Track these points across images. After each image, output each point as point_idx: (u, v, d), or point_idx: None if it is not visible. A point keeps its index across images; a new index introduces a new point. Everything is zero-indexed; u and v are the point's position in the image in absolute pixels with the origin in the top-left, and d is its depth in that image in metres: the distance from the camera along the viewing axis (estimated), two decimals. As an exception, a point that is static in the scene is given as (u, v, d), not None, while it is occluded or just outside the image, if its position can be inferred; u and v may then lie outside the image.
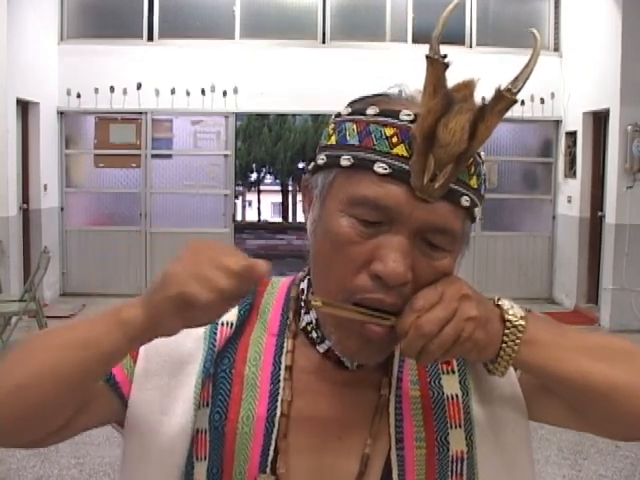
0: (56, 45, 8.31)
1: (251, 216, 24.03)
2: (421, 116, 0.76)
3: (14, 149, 7.22)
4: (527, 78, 0.75)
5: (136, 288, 8.33)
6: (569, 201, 8.26)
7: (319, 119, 15.93)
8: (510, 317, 0.81)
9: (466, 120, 0.75)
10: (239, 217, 19.82)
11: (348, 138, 0.81)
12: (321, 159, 0.84)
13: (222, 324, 0.91)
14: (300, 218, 20.37)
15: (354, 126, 0.81)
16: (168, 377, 0.88)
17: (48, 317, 6.45)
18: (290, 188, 22.47)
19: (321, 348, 0.89)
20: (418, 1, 8.49)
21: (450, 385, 0.90)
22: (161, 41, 8.50)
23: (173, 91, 8.27)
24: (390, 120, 0.79)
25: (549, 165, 8.74)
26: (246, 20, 8.53)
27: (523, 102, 7.90)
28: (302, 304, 0.91)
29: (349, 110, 0.84)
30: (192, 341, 0.89)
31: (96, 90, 8.18)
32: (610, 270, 7.20)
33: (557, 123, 8.56)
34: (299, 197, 22.68)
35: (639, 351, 0.84)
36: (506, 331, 0.80)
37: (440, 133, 0.75)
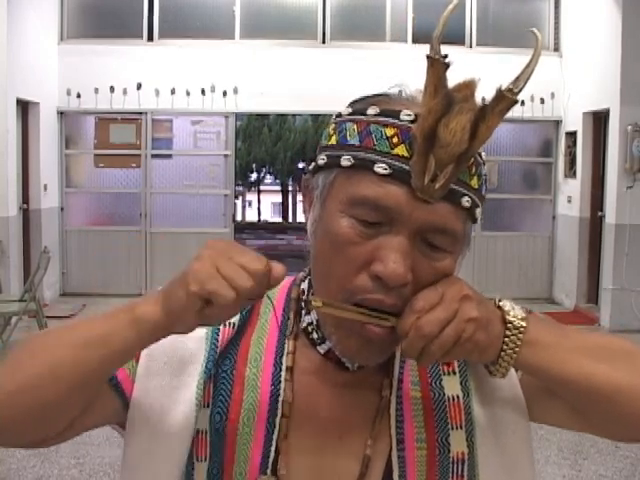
0: (56, 45, 8.30)
1: (251, 216, 24.03)
2: (422, 116, 0.75)
3: (14, 149, 7.21)
4: (528, 78, 0.75)
5: (136, 288, 8.33)
6: (569, 201, 8.26)
7: (319, 119, 15.93)
8: (511, 318, 0.80)
9: (467, 120, 0.74)
10: (239, 217, 19.81)
11: (349, 138, 0.81)
12: (321, 159, 0.84)
13: (224, 324, 0.91)
14: (300, 218, 20.37)
15: (355, 126, 0.81)
16: (170, 377, 0.88)
17: (48, 317, 6.45)
18: (290, 188, 22.47)
19: (322, 349, 0.88)
20: (418, 1, 8.49)
21: (451, 386, 0.90)
22: (161, 41, 8.49)
23: (173, 91, 8.27)
24: (391, 120, 0.79)
25: (549, 165, 8.74)
26: (246, 20, 8.53)
27: (523, 102, 7.90)
28: (303, 305, 0.91)
29: (350, 110, 0.84)
30: (194, 341, 0.89)
31: (96, 90, 8.18)
32: (610, 270, 7.20)
33: (557, 123, 8.56)
34: (299, 197, 22.70)
35: None
36: (507, 332, 0.80)
37: (441, 133, 0.74)
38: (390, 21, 8.65)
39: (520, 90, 0.75)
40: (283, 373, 0.88)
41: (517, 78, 0.75)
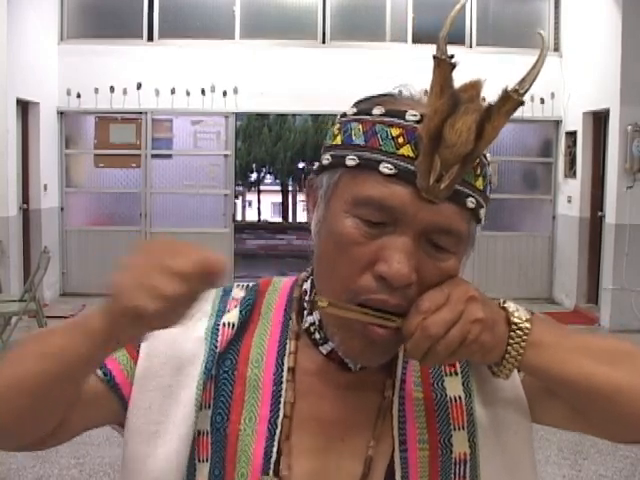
0: (56, 45, 8.30)
1: (251, 216, 24.03)
2: (427, 116, 0.75)
3: (14, 149, 7.21)
4: (534, 79, 0.75)
5: (136, 288, 8.31)
6: (569, 201, 8.26)
7: (319, 119, 15.94)
8: (516, 319, 0.80)
9: (472, 121, 0.74)
10: (239, 217, 19.81)
11: (354, 138, 0.81)
12: (326, 159, 0.84)
13: (223, 324, 0.90)
14: (300, 218, 20.38)
15: (360, 126, 0.81)
16: (169, 378, 0.88)
17: (48, 317, 6.45)
18: (290, 188, 22.47)
19: (324, 349, 0.88)
20: (418, 1, 8.49)
21: (453, 387, 0.90)
22: (161, 41, 8.50)
23: (173, 91, 8.27)
24: (396, 120, 0.79)
25: (549, 165, 8.74)
26: (246, 20, 8.53)
27: (523, 102, 7.88)
28: (305, 305, 0.91)
29: (354, 110, 0.83)
30: (193, 342, 0.89)
31: (96, 90, 8.18)
32: (610, 270, 7.20)
33: (557, 123, 8.56)
34: (299, 197, 22.69)
35: None
36: (511, 333, 0.80)
37: (446, 134, 0.74)
38: (390, 21, 8.66)
39: (526, 91, 0.75)
40: (285, 374, 0.88)
41: (523, 79, 0.75)
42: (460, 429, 0.88)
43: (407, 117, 0.78)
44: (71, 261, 8.53)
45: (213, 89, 8.32)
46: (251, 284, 0.97)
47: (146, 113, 8.40)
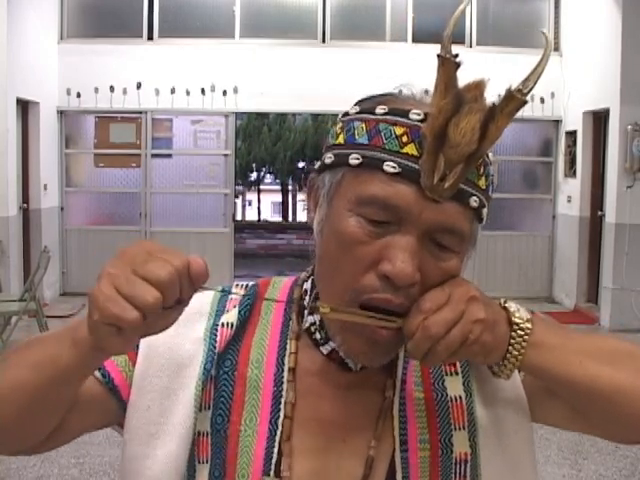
0: (56, 45, 8.30)
1: (251, 215, 24.02)
2: (432, 115, 0.75)
3: (14, 149, 7.21)
4: (538, 79, 0.75)
5: (136, 288, 8.31)
6: (569, 201, 8.26)
7: (319, 119, 15.92)
8: (517, 320, 0.80)
9: (476, 120, 0.74)
10: (239, 217, 19.81)
11: (357, 137, 0.80)
12: (329, 158, 0.83)
13: (222, 325, 0.90)
14: (300, 218, 20.36)
15: (363, 125, 0.80)
16: (168, 379, 0.88)
17: (48, 317, 6.45)
18: (290, 187, 22.46)
19: (325, 349, 0.88)
20: (418, 1, 8.49)
21: (454, 387, 0.90)
22: (161, 40, 8.49)
23: (173, 90, 8.27)
24: (400, 119, 0.78)
25: (549, 165, 8.74)
26: (246, 20, 8.53)
27: (527, 102, 7.88)
28: (306, 305, 0.91)
29: (357, 109, 0.83)
30: (191, 343, 0.89)
31: (96, 89, 8.17)
32: (610, 269, 7.20)
33: (557, 123, 8.56)
34: (299, 196, 22.68)
35: None
36: (513, 334, 0.80)
37: (451, 133, 0.74)
38: (390, 21, 8.65)
39: (529, 91, 0.75)
40: (285, 374, 0.88)
41: (526, 78, 0.75)
42: (461, 429, 0.88)
43: (411, 116, 0.78)
44: (71, 261, 8.52)
45: (213, 88, 8.32)
46: (250, 284, 0.96)
47: (146, 113, 8.40)
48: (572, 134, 8.23)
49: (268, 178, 22.81)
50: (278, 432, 0.86)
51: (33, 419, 0.80)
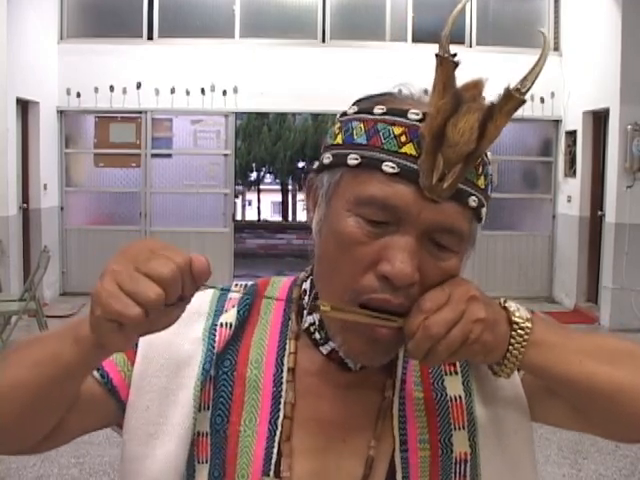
0: (56, 44, 8.30)
1: (251, 215, 24.02)
2: (430, 115, 0.75)
3: (14, 148, 7.21)
4: (536, 78, 0.74)
5: (136, 287, 8.32)
6: (569, 200, 8.26)
7: (319, 118, 15.92)
8: (517, 319, 0.80)
9: (475, 120, 0.74)
10: (239, 216, 19.80)
11: (355, 137, 0.80)
12: (327, 158, 0.83)
13: (221, 325, 0.90)
14: (300, 217, 20.35)
15: (361, 125, 0.80)
16: (167, 379, 0.87)
17: (48, 316, 6.45)
18: (290, 187, 22.45)
19: (324, 349, 0.88)
20: (418, 0, 8.49)
21: (453, 386, 0.90)
22: (161, 40, 8.49)
23: (173, 90, 8.27)
24: (398, 119, 0.78)
25: (549, 164, 8.74)
26: (246, 19, 8.53)
27: (525, 101, 7.88)
28: (305, 305, 0.90)
29: (355, 109, 0.83)
30: (190, 343, 0.89)
31: (96, 89, 8.17)
32: (610, 269, 7.20)
33: (557, 122, 8.56)
34: (299, 196, 22.66)
35: None
36: (513, 333, 0.80)
37: (449, 133, 0.74)
38: (390, 20, 8.65)
39: (528, 90, 0.74)
40: (285, 374, 0.88)
41: (525, 78, 0.75)
42: (460, 429, 0.88)
43: (409, 116, 0.78)
44: (71, 260, 8.52)
45: (213, 88, 8.32)
46: (249, 284, 0.96)
47: (146, 112, 8.40)
48: (572, 134, 8.23)
49: (268, 178, 22.80)
50: (278, 432, 0.86)
51: (33, 418, 0.79)
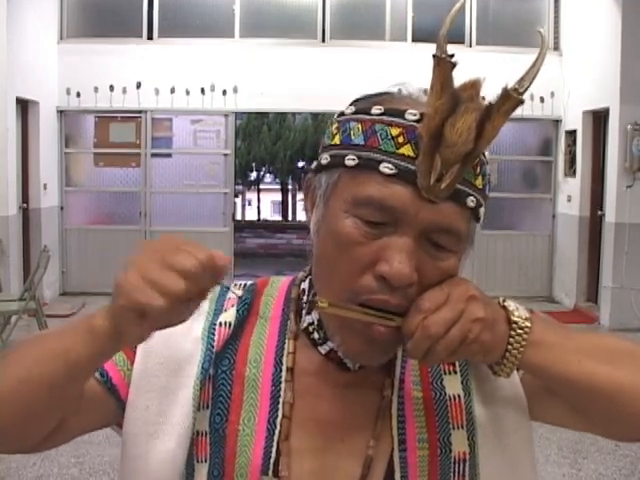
0: (56, 44, 8.30)
1: (251, 215, 24.01)
2: (428, 116, 0.75)
3: (14, 148, 7.21)
4: (534, 78, 0.74)
5: (136, 287, 8.32)
6: (569, 200, 8.26)
7: (319, 118, 15.91)
8: (516, 318, 0.80)
9: (473, 120, 0.74)
10: (239, 216, 19.80)
11: (353, 138, 0.80)
12: (325, 159, 0.83)
13: (220, 324, 0.90)
14: (300, 217, 20.34)
15: (359, 125, 0.80)
16: (166, 379, 0.87)
17: (48, 316, 6.44)
18: (290, 187, 22.46)
19: (323, 349, 0.88)
20: (418, 0, 8.49)
21: (452, 385, 0.90)
22: (161, 40, 8.49)
23: (173, 90, 8.27)
24: (395, 119, 0.78)
25: (549, 164, 8.74)
26: (246, 19, 8.53)
27: (523, 101, 7.89)
28: (304, 305, 0.90)
29: (353, 109, 0.83)
30: (190, 342, 0.89)
31: (96, 89, 8.17)
32: (610, 269, 7.20)
33: (557, 122, 8.56)
34: (299, 196, 22.66)
35: None
36: (512, 332, 0.79)
37: (447, 133, 0.74)
38: (390, 20, 8.66)
39: (525, 90, 0.74)
40: (284, 374, 0.88)
41: (522, 78, 0.74)
42: (459, 428, 0.88)
43: (407, 116, 0.78)
44: (71, 260, 8.52)
45: (213, 88, 8.32)
46: (248, 283, 0.96)
47: (146, 112, 8.40)
48: (572, 133, 8.23)
49: (268, 177, 22.79)
50: (276, 432, 0.86)
51: (39, 414, 0.79)
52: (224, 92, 8.34)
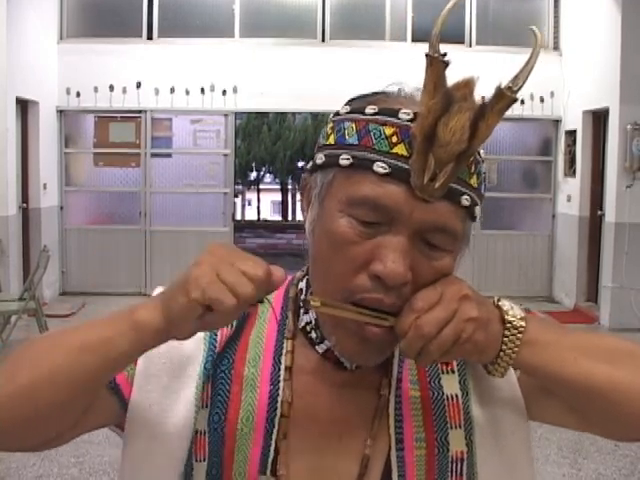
0: (56, 44, 8.30)
1: (251, 215, 24.00)
2: (421, 115, 0.75)
3: (14, 148, 7.21)
4: (527, 76, 0.74)
5: (136, 287, 8.33)
6: (569, 200, 8.26)
7: (319, 118, 15.91)
8: (510, 318, 0.80)
9: (466, 119, 0.74)
10: (238, 216, 19.80)
11: (347, 137, 0.80)
12: (320, 158, 0.83)
13: None
14: (300, 217, 20.32)
15: (353, 125, 0.80)
16: (169, 378, 0.88)
17: (48, 316, 6.44)
18: (289, 187, 22.45)
19: (320, 349, 0.88)
20: (418, 0, 8.49)
21: (450, 385, 0.90)
22: (161, 40, 8.49)
23: (172, 90, 8.27)
24: (389, 119, 0.78)
25: (549, 164, 8.74)
26: (246, 19, 8.53)
27: (523, 101, 7.90)
28: (301, 304, 0.91)
29: (347, 109, 0.83)
30: (192, 342, 0.88)
31: (95, 89, 8.17)
32: (610, 269, 7.20)
33: (557, 122, 8.56)
34: (299, 196, 22.54)
35: None
36: (506, 332, 0.79)
37: (440, 132, 0.74)
38: (390, 20, 8.66)
39: (519, 88, 0.74)
40: (282, 373, 0.88)
41: (516, 76, 0.74)
42: (457, 427, 0.88)
43: (400, 116, 0.78)
44: (71, 260, 8.52)
45: (212, 88, 8.32)
46: None
47: (146, 112, 8.40)
48: (572, 133, 8.23)
49: (268, 177, 22.78)
50: (274, 431, 0.86)
51: (67, 407, 0.78)
52: (224, 92, 8.34)
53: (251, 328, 0.92)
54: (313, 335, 0.88)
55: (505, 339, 0.79)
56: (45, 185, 7.95)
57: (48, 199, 8.07)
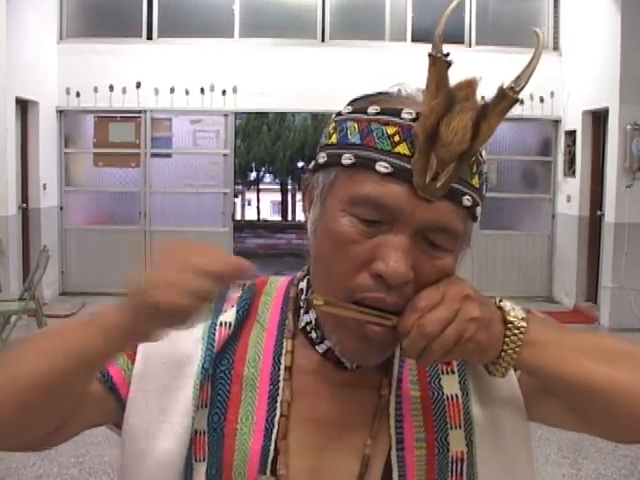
0: (55, 44, 8.30)
1: (250, 215, 24.00)
2: (423, 115, 0.75)
3: (13, 148, 7.21)
4: (529, 77, 0.74)
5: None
6: (568, 200, 8.26)
7: (318, 118, 15.92)
8: (512, 318, 0.80)
9: (468, 119, 0.74)
10: (238, 216, 19.80)
11: (349, 137, 0.81)
12: (322, 158, 0.84)
13: (220, 324, 0.90)
14: (299, 217, 20.34)
15: (355, 125, 0.81)
16: (167, 378, 0.88)
17: (47, 316, 6.45)
18: (289, 187, 22.45)
19: (320, 348, 0.88)
20: (417, 0, 8.49)
21: (450, 385, 0.90)
22: (160, 40, 8.49)
23: (172, 90, 8.27)
24: (391, 119, 0.78)
25: (548, 164, 8.74)
26: (245, 19, 8.53)
27: (522, 101, 7.89)
28: (301, 304, 0.91)
29: (350, 109, 0.83)
30: (190, 342, 0.89)
31: (95, 89, 8.17)
32: (609, 269, 7.20)
33: (556, 122, 8.56)
34: (298, 196, 22.67)
35: None
36: (507, 332, 0.80)
37: (442, 132, 0.74)
38: (389, 20, 8.66)
39: (521, 89, 0.74)
40: (282, 372, 0.88)
41: (518, 77, 0.75)
42: (457, 428, 0.88)
43: (403, 115, 0.78)
44: (70, 260, 8.52)
45: (212, 88, 8.32)
46: (248, 283, 0.96)
47: (145, 112, 8.40)
48: (571, 133, 8.23)
49: (267, 177, 22.80)
50: (274, 430, 0.86)
51: (48, 408, 0.79)
52: (224, 92, 8.34)
53: (251, 328, 0.92)
54: (313, 335, 0.88)
55: (506, 339, 0.79)
56: (45, 185, 7.95)
57: (48, 199, 8.07)
